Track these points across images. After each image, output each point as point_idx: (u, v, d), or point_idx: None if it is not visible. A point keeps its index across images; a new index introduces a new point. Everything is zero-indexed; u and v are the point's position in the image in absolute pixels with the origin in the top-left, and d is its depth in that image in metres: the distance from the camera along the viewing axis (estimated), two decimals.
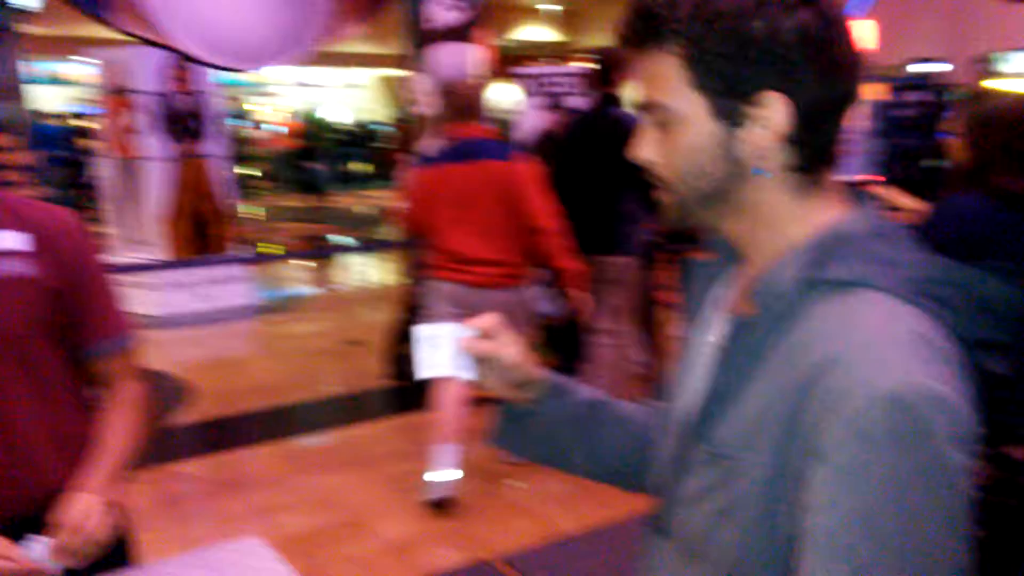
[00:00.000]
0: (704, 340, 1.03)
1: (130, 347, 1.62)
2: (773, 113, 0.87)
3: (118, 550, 1.60)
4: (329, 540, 3.55)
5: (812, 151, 0.90)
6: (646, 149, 0.95)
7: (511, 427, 1.18)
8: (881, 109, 8.81)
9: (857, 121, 7.26)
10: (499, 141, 3.96)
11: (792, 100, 0.87)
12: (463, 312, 3.84)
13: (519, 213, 3.66)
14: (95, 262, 1.56)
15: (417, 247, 4.14)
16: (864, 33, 9.49)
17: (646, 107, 0.94)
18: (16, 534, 1.44)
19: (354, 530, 3.63)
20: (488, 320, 1.10)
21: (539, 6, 17.26)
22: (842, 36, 0.88)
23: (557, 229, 3.72)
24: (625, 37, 0.93)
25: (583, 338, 4.45)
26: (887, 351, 0.79)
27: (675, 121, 0.91)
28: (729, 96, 0.88)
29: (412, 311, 5.54)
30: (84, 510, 1.41)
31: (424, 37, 5.17)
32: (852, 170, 7.00)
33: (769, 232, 0.94)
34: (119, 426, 1.57)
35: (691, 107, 0.90)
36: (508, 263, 3.73)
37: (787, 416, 0.83)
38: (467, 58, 5.16)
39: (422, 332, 1.07)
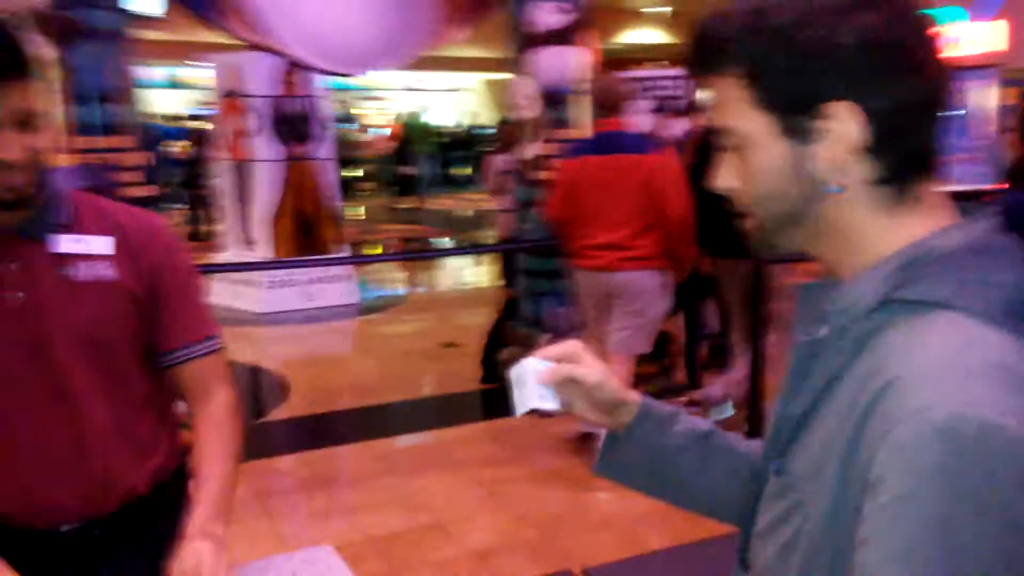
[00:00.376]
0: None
1: (217, 353, 1.56)
2: (843, 125, 0.81)
3: None
4: (411, 543, 3.55)
5: (897, 161, 0.83)
6: (724, 177, 0.91)
7: (611, 453, 1.15)
8: (1014, 113, 8.30)
9: (985, 127, 6.85)
10: (640, 135, 4.12)
11: (864, 109, 0.80)
12: (601, 298, 4.04)
13: (653, 203, 3.84)
14: (181, 266, 1.54)
15: (555, 240, 4.35)
16: (994, 34, 8.98)
17: (719, 133, 0.90)
18: (89, 538, 1.46)
19: (437, 534, 3.62)
20: (568, 346, 1.09)
21: (645, 9, 17.02)
22: (916, 35, 0.82)
23: (687, 221, 3.87)
24: (688, 65, 0.91)
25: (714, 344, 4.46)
26: (949, 377, 0.72)
27: (746, 145, 0.87)
28: (794, 112, 0.83)
29: (508, 315, 5.53)
30: (195, 560, 1.34)
31: (527, 40, 5.13)
32: (983, 179, 6.61)
33: (855, 251, 0.87)
34: (216, 450, 1.50)
35: (758, 128, 0.85)
36: (640, 248, 3.91)
37: (848, 444, 0.78)
38: (570, 62, 5.10)
39: (512, 371, 1.08)
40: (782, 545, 0.87)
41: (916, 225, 0.84)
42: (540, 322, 5.24)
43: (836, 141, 0.82)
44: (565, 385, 1.07)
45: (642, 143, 3.97)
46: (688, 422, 1.14)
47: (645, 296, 3.97)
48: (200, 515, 1.41)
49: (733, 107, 0.87)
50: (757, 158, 0.87)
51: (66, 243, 1.40)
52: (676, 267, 4.06)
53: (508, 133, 6.22)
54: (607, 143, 3.95)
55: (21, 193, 1.31)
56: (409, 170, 16.80)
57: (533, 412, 1.08)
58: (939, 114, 0.83)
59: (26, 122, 1.27)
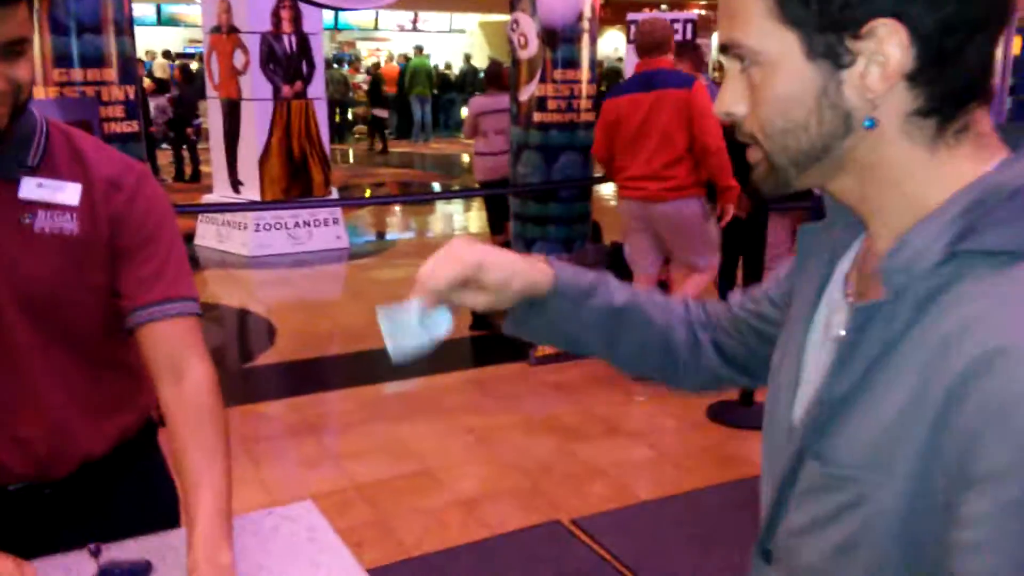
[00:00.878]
0: (815, 327, 0.84)
1: (190, 317, 1.34)
2: (887, 47, 0.68)
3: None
4: (398, 490, 3.50)
5: (947, 89, 0.70)
6: (729, 100, 0.77)
7: (522, 315, 1.03)
8: None
9: None
10: (681, 72, 4.29)
11: (912, 28, 0.67)
12: (644, 226, 4.32)
13: (693, 135, 4.07)
14: (152, 216, 1.35)
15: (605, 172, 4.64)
16: None
17: (726, 49, 0.76)
18: (41, 497, 1.38)
19: (424, 481, 3.57)
20: (469, 261, 0.96)
21: None
22: None
23: (723, 151, 4.02)
24: None
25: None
26: None
27: (762, 65, 0.73)
28: (828, 30, 0.69)
29: None
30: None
31: None
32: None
33: (897, 194, 0.74)
34: (204, 447, 1.27)
35: (780, 46, 0.71)
36: (679, 177, 4.15)
37: (930, 428, 0.65)
38: (578, 1, 4.91)
39: (382, 315, 0.96)
40: (836, 546, 0.75)
41: (966, 160, 0.72)
42: None
43: (878, 66, 0.69)
44: (457, 292, 0.96)
45: (686, 79, 4.15)
46: (605, 295, 1.03)
47: (689, 222, 4.23)
48: (201, 541, 1.18)
49: (747, 18, 0.73)
50: (774, 82, 0.73)
51: (29, 187, 1.26)
52: (721, 199, 4.21)
53: (494, 74, 6.27)
54: (651, 80, 4.16)
55: (7, 128, 1.19)
56: (380, 112, 16.31)
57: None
58: (996, 29, 0.70)
59: (11, 50, 1.15)
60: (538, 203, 5.16)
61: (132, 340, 1.35)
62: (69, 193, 1.28)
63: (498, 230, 6.27)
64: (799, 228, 0.92)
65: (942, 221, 0.70)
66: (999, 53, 6.65)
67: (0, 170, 1.25)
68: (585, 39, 4.97)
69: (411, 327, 0.96)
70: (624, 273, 5.00)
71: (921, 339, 0.68)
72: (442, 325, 0.96)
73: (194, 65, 14.30)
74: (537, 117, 5.05)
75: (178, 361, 1.31)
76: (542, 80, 4.99)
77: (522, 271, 0.99)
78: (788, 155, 0.75)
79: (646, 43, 4.18)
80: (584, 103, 5.07)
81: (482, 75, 9.48)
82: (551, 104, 5.01)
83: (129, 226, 1.32)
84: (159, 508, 1.50)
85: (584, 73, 5.02)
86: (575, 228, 5.23)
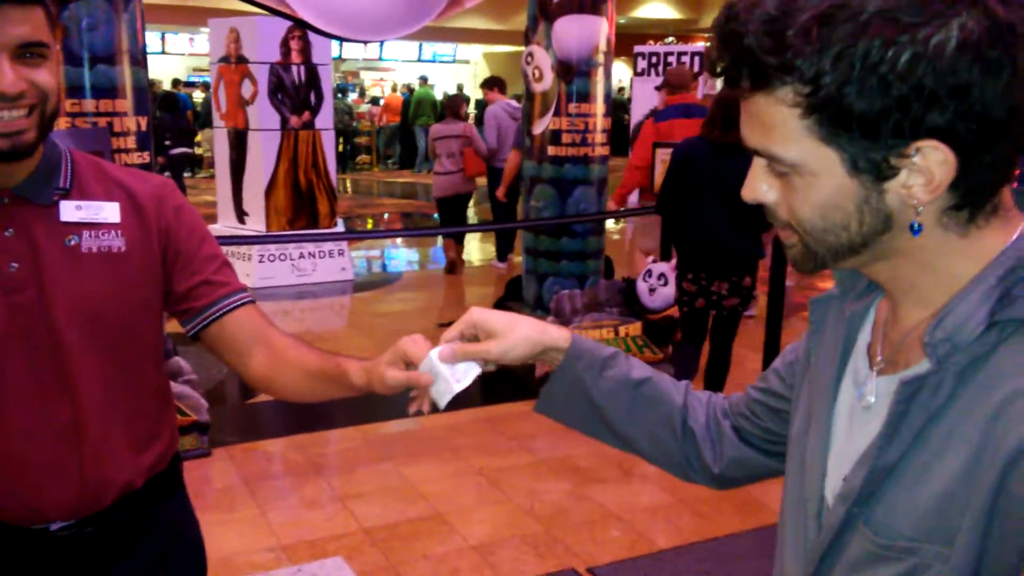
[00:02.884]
0: (842, 397, 0.85)
1: (253, 304, 1.40)
2: (932, 164, 0.68)
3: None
4: (408, 534, 3.38)
5: (982, 185, 0.71)
6: (761, 190, 0.77)
7: (547, 391, 1.13)
8: None
9: None
10: (703, 106, 5.24)
11: (956, 145, 0.67)
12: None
13: None
14: (195, 224, 1.39)
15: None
16: None
17: (758, 152, 0.76)
18: (82, 536, 1.31)
19: (435, 525, 3.45)
20: (467, 318, 1.10)
21: None
22: (1019, 37, 0.66)
23: None
24: (713, 70, 0.75)
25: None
26: None
27: (799, 175, 0.73)
28: (872, 150, 0.69)
29: (509, 295, 5.36)
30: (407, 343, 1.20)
31: (543, 10, 4.89)
32: None
33: (930, 274, 0.76)
34: (322, 352, 1.37)
35: (820, 162, 0.71)
36: None
37: (987, 494, 0.67)
38: (588, 32, 4.86)
39: (421, 367, 1.14)
40: None
41: (993, 235, 0.74)
42: (543, 303, 5.06)
43: (914, 177, 0.70)
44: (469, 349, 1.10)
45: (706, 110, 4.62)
46: (622, 367, 1.09)
47: None
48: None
49: (785, 133, 0.71)
50: (814, 191, 0.73)
51: (69, 210, 1.25)
52: None
53: (453, 104, 7.88)
54: (688, 110, 5.31)
55: (22, 141, 1.15)
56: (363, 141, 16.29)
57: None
58: None
59: (31, 52, 1.13)
60: (551, 238, 5.08)
61: (164, 365, 1.40)
62: (109, 211, 1.29)
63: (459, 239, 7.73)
64: (809, 300, 0.93)
65: (980, 292, 0.71)
66: None
67: (39, 196, 1.24)
68: (600, 72, 4.92)
69: (440, 377, 1.12)
70: (637, 309, 4.91)
71: (969, 409, 0.70)
72: (468, 375, 1.12)
73: (199, 95, 14.31)
74: (551, 151, 4.99)
75: (263, 335, 1.38)
76: (556, 113, 4.93)
77: (526, 320, 1.10)
78: (827, 248, 0.76)
79: (676, 82, 5.48)
80: (599, 137, 5.01)
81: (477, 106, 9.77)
82: (565, 137, 4.95)
83: (182, 234, 1.35)
84: (188, 543, 1.49)
85: (599, 106, 4.96)
86: (589, 264, 5.14)
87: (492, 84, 7.87)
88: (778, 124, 0.71)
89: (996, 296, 0.70)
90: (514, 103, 7.79)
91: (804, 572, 0.84)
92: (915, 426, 0.73)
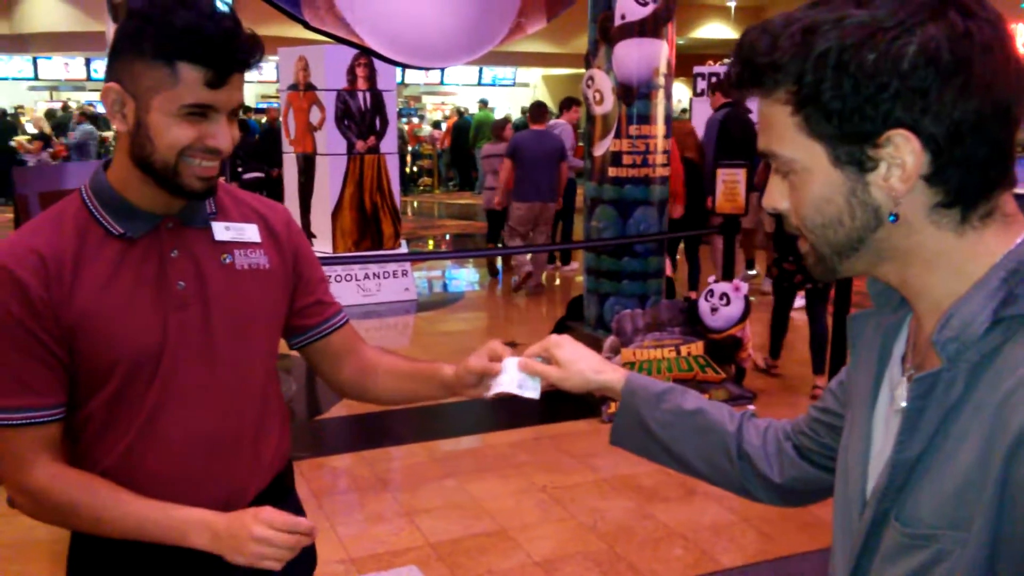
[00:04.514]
0: (880, 404, 0.91)
1: (349, 322, 1.60)
2: (904, 154, 0.76)
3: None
4: (474, 549, 3.44)
5: (964, 184, 0.78)
6: (776, 199, 0.87)
7: (615, 425, 1.26)
8: None
9: None
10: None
11: (923, 136, 0.75)
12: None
13: None
14: (307, 245, 1.54)
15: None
16: None
17: (765, 156, 0.86)
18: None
19: (499, 541, 3.50)
20: (548, 341, 1.30)
21: (710, 1, 16.77)
22: (989, 40, 0.75)
23: None
24: (731, 82, 0.85)
25: None
26: None
27: (796, 171, 0.83)
28: (850, 141, 0.78)
29: (571, 315, 5.40)
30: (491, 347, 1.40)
31: (604, 33, 4.95)
32: None
33: (935, 275, 0.82)
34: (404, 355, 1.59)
35: (810, 156, 0.81)
36: None
37: (997, 485, 0.73)
38: (649, 55, 4.90)
39: (503, 364, 1.35)
40: None
41: (995, 238, 0.80)
42: (604, 323, 5.09)
43: (895, 169, 0.77)
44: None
45: None
46: (677, 400, 1.22)
47: None
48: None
49: (780, 132, 0.82)
50: (809, 186, 0.82)
51: (221, 231, 1.39)
52: None
53: (499, 127, 9.14)
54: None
55: (211, 184, 1.31)
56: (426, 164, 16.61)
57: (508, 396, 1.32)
58: (1011, 126, 0.77)
59: (236, 113, 1.29)
60: (612, 258, 5.12)
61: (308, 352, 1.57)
62: (252, 232, 1.42)
63: (494, 239, 8.84)
64: (848, 318, 0.99)
65: (984, 292, 0.77)
66: None
67: (195, 220, 1.36)
68: (660, 94, 4.96)
69: (507, 375, 1.33)
70: (699, 329, 4.91)
71: (980, 402, 0.76)
72: (529, 387, 1.32)
73: (263, 119, 14.66)
74: (612, 172, 5.03)
75: (355, 347, 1.57)
76: (617, 135, 4.98)
77: (590, 356, 1.28)
78: (830, 246, 0.84)
79: None
80: (660, 158, 5.04)
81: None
82: (626, 159, 4.99)
83: (305, 256, 1.51)
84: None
85: (659, 128, 5.00)
86: (650, 284, 5.17)
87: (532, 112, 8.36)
88: (776, 123, 0.82)
89: (1001, 296, 0.76)
90: (561, 122, 9.09)
91: (846, 570, 0.90)
92: (933, 422, 0.79)
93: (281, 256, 1.45)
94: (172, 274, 1.32)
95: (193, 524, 1.25)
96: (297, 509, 1.58)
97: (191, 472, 1.34)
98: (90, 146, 14.12)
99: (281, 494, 1.50)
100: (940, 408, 0.78)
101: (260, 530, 1.22)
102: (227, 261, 1.38)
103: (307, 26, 4.24)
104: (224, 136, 1.26)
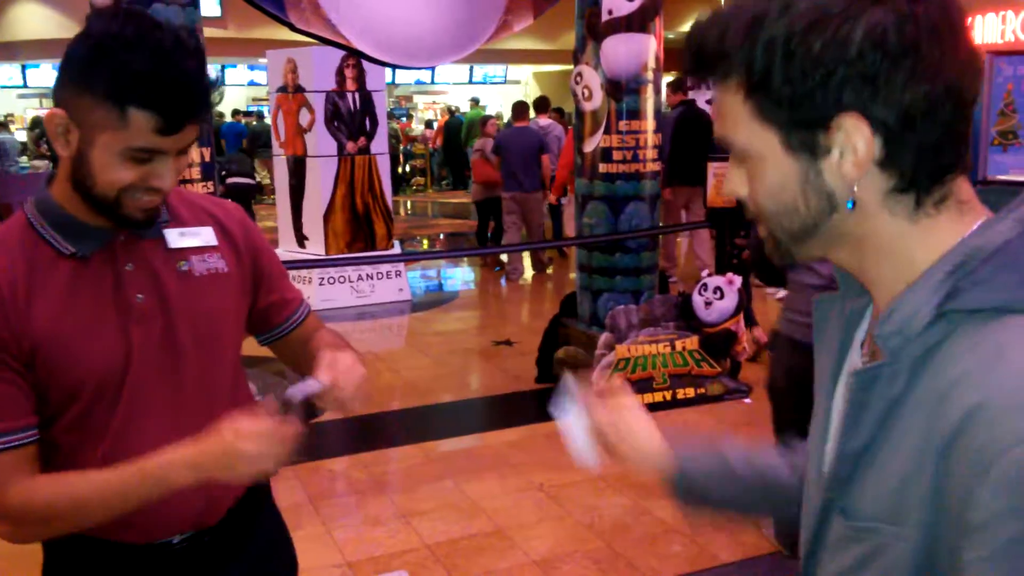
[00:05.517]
0: (839, 392, 0.91)
1: (310, 312, 1.59)
2: (855, 139, 0.75)
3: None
4: (471, 550, 3.43)
5: (917, 169, 0.77)
6: (733, 185, 0.87)
7: (675, 495, 1.20)
8: None
9: None
10: None
11: (873, 121, 0.75)
12: None
13: None
14: (264, 242, 1.52)
15: None
16: None
17: (722, 142, 0.85)
18: (201, 547, 1.40)
19: (497, 541, 3.49)
20: (613, 410, 1.22)
21: None
22: (937, 23, 0.73)
23: None
24: (685, 70, 0.85)
25: None
26: None
27: (751, 158, 0.82)
28: (802, 127, 0.77)
29: (565, 312, 5.39)
30: (350, 364, 1.32)
31: (592, 29, 4.93)
32: None
33: (888, 263, 0.81)
34: (334, 339, 1.52)
35: (763, 143, 0.80)
36: None
37: (932, 481, 0.72)
38: (638, 51, 4.88)
39: (563, 422, 1.23)
40: None
41: (948, 226, 0.78)
42: (598, 320, 5.08)
43: (848, 154, 0.76)
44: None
45: None
46: (727, 466, 1.15)
47: None
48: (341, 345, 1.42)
49: (734, 118, 0.81)
50: (763, 173, 0.81)
51: (175, 237, 1.36)
52: None
53: (480, 123, 9.84)
54: None
55: (154, 215, 1.29)
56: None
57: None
58: (963, 110, 0.76)
59: (184, 150, 1.26)
60: (604, 254, 5.11)
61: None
62: (207, 236, 1.39)
63: (485, 237, 9.55)
64: (814, 300, 0.98)
65: (929, 285, 0.76)
66: None
67: (148, 231, 1.33)
68: (649, 89, 4.94)
69: (576, 440, 1.23)
70: (694, 324, 4.90)
71: (921, 397, 0.75)
72: (589, 457, 1.23)
73: (254, 122, 14.63)
74: (602, 168, 5.02)
75: (314, 336, 1.54)
76: (607, 131, 4.96)
77: (651, 438, 1.21)
78: (785, 232, 0.83)
79: None
80: (650, 153, 5.03)
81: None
82: (616, 155, 4.98)
83: (265, 254, 1.48)
84: (282, 547, 1.60)
85: (649, 123, 4.98)
86: (643, 279, 5.15)
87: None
88: (729, 111, 0.81)
89: (945, 290, 0.75)
90: (544, 121, 9.59)
91: (805, 551, 0.92)
92: (876, 415, 0.78)
93: (239, 257, 1.42)
94: (129, 288, 1.30)
95: (171, 466, 1.21)
96: (274, 516, 1.57)
97: None
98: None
99: (257, 502, 1.48)
100: (883, 401, 0.78)
101: (242, 436, 1.19)
102: (184, 268, 1.35)
103: (293, 28, 4.22)
104: (168, 177, 1.23)
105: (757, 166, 0.81)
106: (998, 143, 6.27)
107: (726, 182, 0.88)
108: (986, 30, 9.75)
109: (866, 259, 0.82)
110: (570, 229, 7.98)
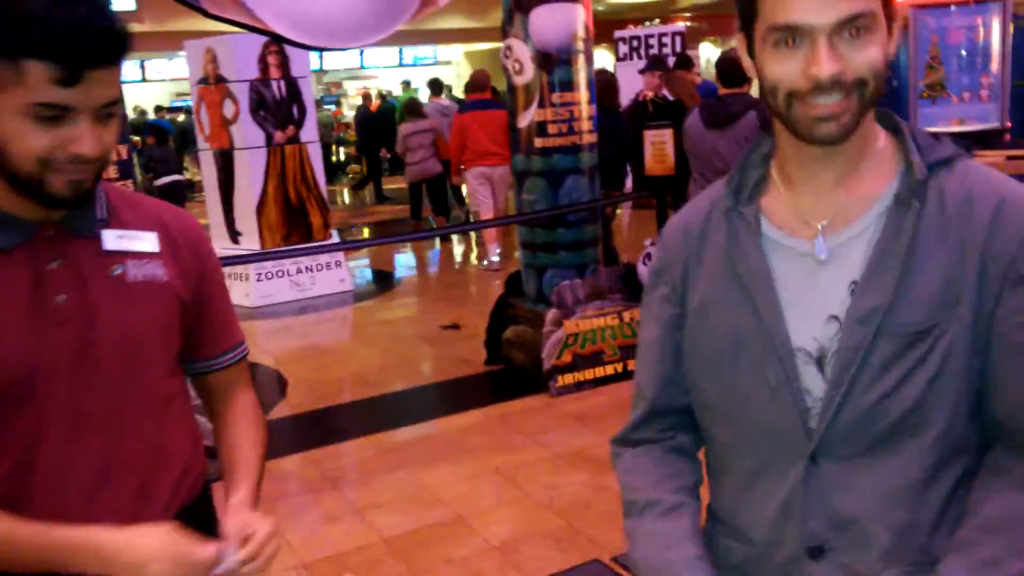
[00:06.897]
0: (780, 270, 1.09)
1: (245, 358, 1.47)
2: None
3: None
4: (428, 541, 3.34)
5: None
6: (874, 54, 1.02)
7: None
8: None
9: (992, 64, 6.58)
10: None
11: None
12: None
13: None
14: (218, 268, 1.42)
15: None
16: None
17: (853, 20, 0.98)
18: None
19: (455, 530, 3.42)
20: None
21: None
22: None
23: None
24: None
25: None
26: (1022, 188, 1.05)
27: (880, 29, 1.00)
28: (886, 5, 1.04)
29: (511, 291, 5.32)
30: (268, 534, 1.24)
31: (522, 2, 4.82)
32: (989, 118, 6.37)
33: (871, 138, 1.10)
34: (249, 438, 1.41)
35: (879, 16, 1.00)
36: None
37: (977, 267, 1.00)
38: (566, 21, 4.79)
39: None
40: (924, 384, 1.01)
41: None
42: (544, 297, 5.02)
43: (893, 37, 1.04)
44: None
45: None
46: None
47: None
48: (242, 492, 1.32)
49: None
50: (881, 40, 1.00)
51: (112, 239, 1.25)
52: None
53: (414, 106, 10.01)
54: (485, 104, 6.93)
55: (84, 189, 1.16)
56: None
57: None
58: None
59: (106, 113, 1.14)
60: (546, 230, 5.04)
61: (192, 386, 1.43)
62: (149, 241, 1.28)
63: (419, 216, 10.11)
64: (665, 233, 1.24)
65: (912, 147, 1.08)
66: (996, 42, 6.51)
67: (81, 228, 1.23)
68: (581, 60, 4.86)
69: None
70: (639, 293, 4.87)
71: (936, 220, 1.03)
72: None
73: (181, 118, 14.25)
74: (538, 143, 4.93)
75: (234, 392, 1.44)
76: (540, 105, 4.87)
77: None
78: (873, 98, 1.03)
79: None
80: (586, 124, 4.95)
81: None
82: (551, 128, 4.89)
83: (209, 278, 1.37)
84: None
85: (583, 94, 4.90)
86: (587, 252, 5.09)
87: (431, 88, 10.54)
88: None
89: (920, 153, 1.07)
90: (445, 102, 10.57)
91: (821, 410, 1.05)
92: (904, 244, 1.02)
93: (181, 269, 1.32)
94: (50, 288, 1.18)
95: (78, 546, 1.12)
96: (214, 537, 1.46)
97: (79, 506, 1.21)
98: None
99: (194, 524, 1.37)
100: (907, 234, 1.02)
101: (161, 559, 1.10)
102: (117, 272, 1.24)
103: (206, 14, 4.03)
104: (89, 140, 1.11)
105: (880, 35, 0.99)
106: (927, 96, 6.35)
107: (843, 58, 0.98)
108: None
109: (867, 133, 1.07)
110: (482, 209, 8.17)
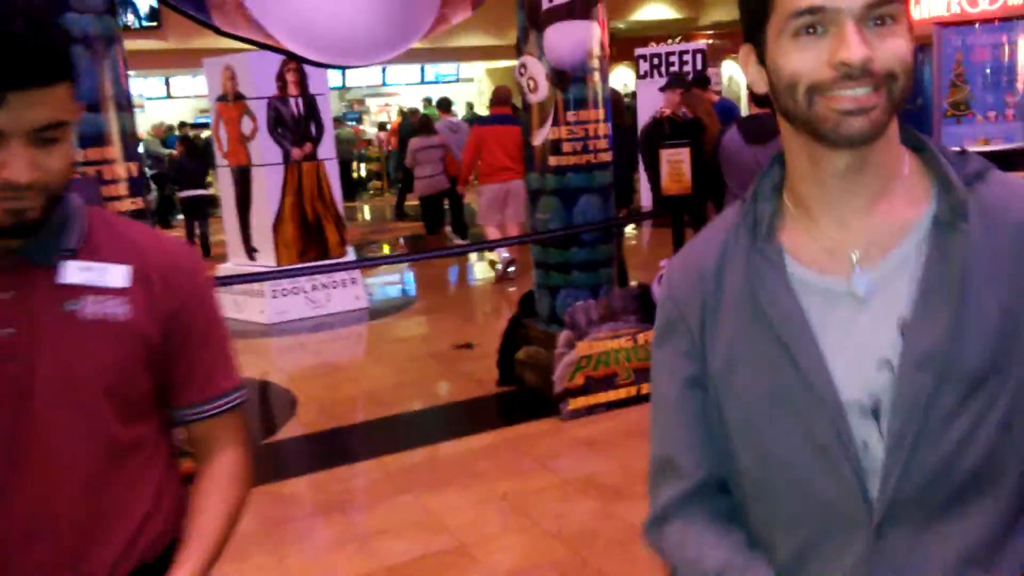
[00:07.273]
0: (812, 313, 0.96)
1: (235, 409, 1.33)
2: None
3: None
4: (431, 570, 3.26)
5: None
6: (899, 46, 0.94)
7: None
8: None
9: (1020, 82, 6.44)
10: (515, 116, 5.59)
11: None
12: None
13: None
14: (208, 306, 1.29)
15: None
16: None
17: (879, 4, 0.89)
18: None
19: (459, 558, 3.33)
20: None
21: None
22: None
23: None
24: None
25: None
26: None
27: (904, 21, 0.91)
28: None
29: (524, 311, 5.24)
30: None
31: (534, 18, 4.77)
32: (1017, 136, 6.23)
33: (893, 147, 0.98)
34: (214, 507, 1.28)
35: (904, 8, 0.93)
36: None
37: None
38: (581, 39, 4.73)
39: None
40: (995, 430, 0.90)
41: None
42: (557, 317, 4.93)
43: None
44: None
45: None
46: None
47: None
48: (183, 571, 1.20)
49: None
50: (907, 34, 0.90)
51: (74, 271, 1.16)
52: None
53: (425, 123, 10.58)
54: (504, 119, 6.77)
55: (26, 218, 1.07)
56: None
57: None
58: None
59: (43, 137, 1.05)
60: (560, 249, 4.96)
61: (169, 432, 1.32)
62: (115, 275, 1.18)
63: (433, 230, 10.67)
64: (668, 272, 1.10)
65: (947, 165, 0.97)
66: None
67: (35, 256, 1.14)
68: (596, 77, 4.79)
69: None
70: (653, 315, 4.77)
71: (984, 242, 0.91)
72: None
73: (205, 134, 14.33)
74: (553, 161, 4.86)
75: (214, 447, 1.31)
76: (555, 123, 4.81)
77: None
78: (903, 95, 0.92)
79: (498, 98, 5.52)
80: (601, 143, 4.88)
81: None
82: (566, 147, 4.82)
83: (188, 316, 1.25)
84: None
85: (599, 112, 4.84)
86: (601, 273, 5.01)
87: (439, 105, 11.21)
88: None
89: (953, 167, 0.97)
90: (455, 119, 11.21)
91: (878, 462, 0.92)
92: (954, 271, 0.91)
93: (151, 307, 1.20)
94: None
95: None
96: None
97: (4, 561, 1.12)
98: None
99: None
100: (958, 258, 0.90)
101: None
102: (70, 308, 1.14)
103: (218, 31, 4.01)
104: (17, 166, 1.02)
105: (905, 28, 0.90)
106: (951, 115, 6.22)
107: (875, 47, 0.88)
108: (932, 2, 9.75)
109: (894, 149, 0.97)
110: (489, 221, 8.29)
